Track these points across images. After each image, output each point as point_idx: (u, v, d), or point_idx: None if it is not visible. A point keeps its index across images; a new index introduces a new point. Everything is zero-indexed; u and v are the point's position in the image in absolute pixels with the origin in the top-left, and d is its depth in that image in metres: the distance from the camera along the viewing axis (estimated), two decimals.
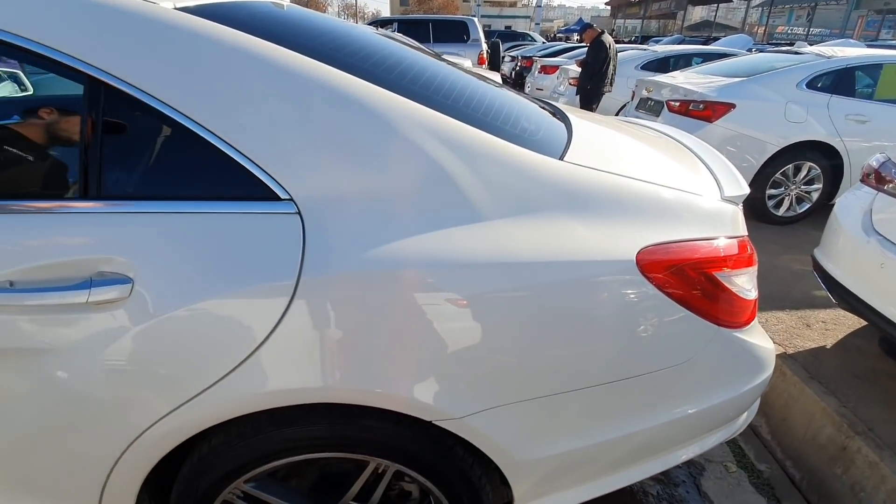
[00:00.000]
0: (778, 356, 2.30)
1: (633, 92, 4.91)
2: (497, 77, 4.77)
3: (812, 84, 3.75)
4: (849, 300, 2.01)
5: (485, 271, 0.85)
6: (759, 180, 3.83)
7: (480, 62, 10.83)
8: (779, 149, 3.73)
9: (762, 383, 1.13)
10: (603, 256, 0.89)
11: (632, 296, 0.91)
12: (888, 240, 1.91)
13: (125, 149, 0.83)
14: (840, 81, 3.78)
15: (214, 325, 0.80)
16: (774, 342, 2.39)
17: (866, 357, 2.29)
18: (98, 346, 0.79)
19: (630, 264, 0.90)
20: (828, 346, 2.39)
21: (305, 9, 1.36)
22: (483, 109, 1.04)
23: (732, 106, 3.74)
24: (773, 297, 2.82)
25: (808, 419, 2.06)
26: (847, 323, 2.56)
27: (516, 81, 11.73)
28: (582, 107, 5.73)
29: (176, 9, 0.86)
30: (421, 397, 0.86)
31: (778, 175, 3.85)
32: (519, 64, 11.86)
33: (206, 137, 0.80)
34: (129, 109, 0.80)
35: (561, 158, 0.98)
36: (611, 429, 0.99)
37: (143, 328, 0.79)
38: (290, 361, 0.81)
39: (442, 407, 0.87)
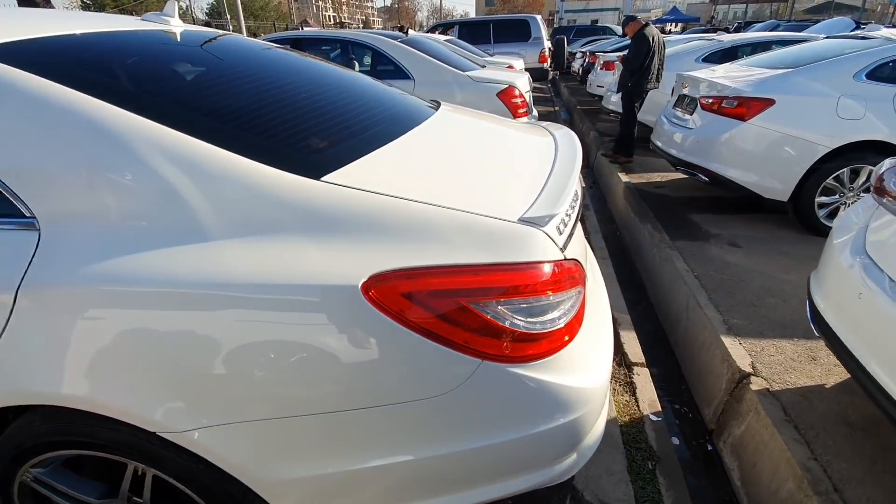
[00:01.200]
0: (758, 392, 2.00)
1: (673, 89, 4.50)
2: (522, 82, 4.62)
3: (874, 74, 3.18)
4: (827, 335, 1.69)
5: (194, 290, 0.85)
6: (807, 187, 3.34)
7: (542, 60, 10.56)
8: (829, 150, 3.22)
9: (567, 426, 1.00)
10: (324, 280, 0.86)
11: (356, 323, 0.86)
12: (875, 264, 1.59)
13: None
14: None
15: None
16: (761, 375, 2.08)
17: (872, 403, 1.91)
18: None
19: (353, 290, 0.85)
20: (827, 386, 2.03)
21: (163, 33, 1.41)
22: (258, 127, 1.04)
23: (771, 102, 3.30)
24: (785, 323, 2.45)
25: (774, 469, 1.78)
26: None
27: (583, 79, 11.23)
28: (624, 105, 5.36)
29: None
30: (138, 409, 0.88)
31: (830, 181, 3.32)
32: (587, 60, 11.35)
33: None
34: None
35: (320, 177, 0.96)
36: (367, 457, 0.94)
37: None
38: (17, 365, 0.89)
39: (161, 420, 0.89)
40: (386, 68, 4.51)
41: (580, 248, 1.26)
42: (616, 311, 2.69)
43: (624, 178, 5.04)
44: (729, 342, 2.29)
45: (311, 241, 0.89)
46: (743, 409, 2.05)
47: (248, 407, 0.90)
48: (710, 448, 2.15)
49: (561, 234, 1.03)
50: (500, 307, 0.91)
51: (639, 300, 3.32)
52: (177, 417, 0.89)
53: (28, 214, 0.89)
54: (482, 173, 1.18)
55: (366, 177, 0.99)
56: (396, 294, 0.86)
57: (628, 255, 3.90)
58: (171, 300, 0.86)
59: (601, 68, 8.85)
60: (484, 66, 5.49)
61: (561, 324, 0.99)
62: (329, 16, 77.07)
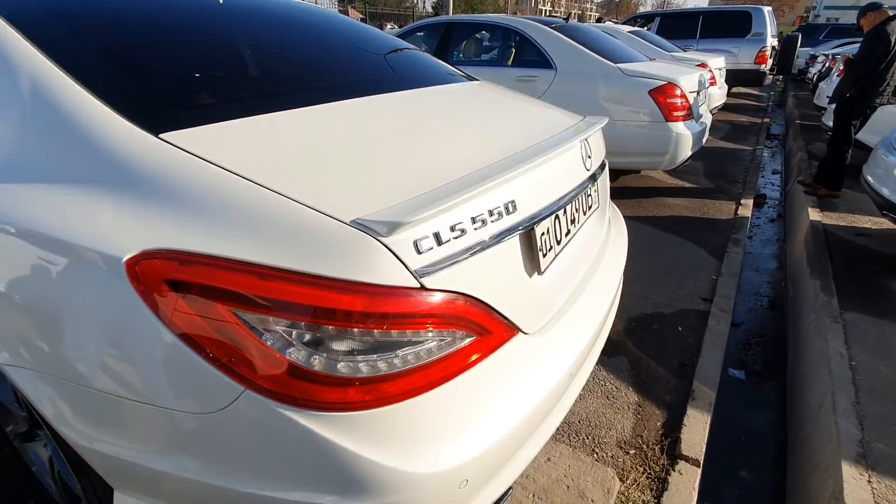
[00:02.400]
0: None
1: None
2: (689, 80, 3.84)
3: None
4: None
5: None
6: None
7: (759, 61, 8.81)
8: None
9: None
10: (92, 244, 0.76)
11: (112, 302, 0.75)
12: None
13: None
14: None
15: None
16: None
17: None
18: None
19: (115, 261, 0.74)
20: None
21: None
22: (123, 56, 0.99)
23: None
24: None
25: None
26: None
27: (815, 85, 9.02)
28: (836, 121, 4.09)
29: None
30: None
31: None
32: (826, 65, 9.05)
33: None
34: None
35: (159, 133, 0.84)
36: (137, 454, 0.83)
37: None
38: None
39: None
40: (530, 56, 4.21)
41: (517, 285, 0.92)
42: (699, 380, 2.06)
43: (814, 215, 3.87)
44: (851, 474, 1.55)
45: (112, 198, 0.80)
46: None
47: (31, 357, 0.87)
48: None
49: (422, 252, 0.75)
50: (282, 328, 0.70)
51: (773, 377, 2.48)
52: None
53: None
54: (402, 154, 0.95)
55: (227, 141, 0.87)
56: (159, 279, 0.72)
57: (785, 317, 2.98)
58: None
59: (837, 75, 6.93)
60: (653, 60, 4.74)
61: (385, 371, 0.73)
62: (545, 10, 76.95)
